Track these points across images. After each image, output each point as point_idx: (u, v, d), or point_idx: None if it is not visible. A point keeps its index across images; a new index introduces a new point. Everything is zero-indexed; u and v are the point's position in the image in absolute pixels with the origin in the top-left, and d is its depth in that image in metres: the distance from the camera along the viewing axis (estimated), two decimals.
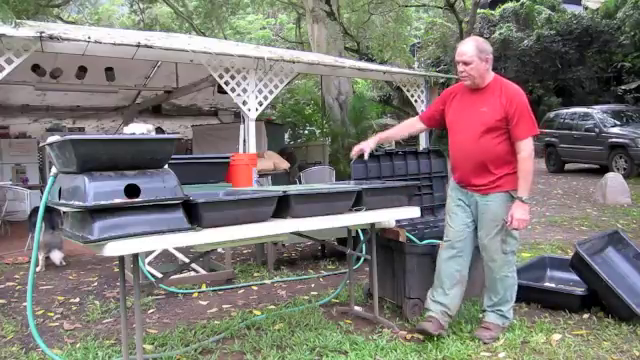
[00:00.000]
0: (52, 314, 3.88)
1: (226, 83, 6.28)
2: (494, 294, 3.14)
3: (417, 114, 8.59)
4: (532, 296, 3.62)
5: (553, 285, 3.91)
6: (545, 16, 17.54)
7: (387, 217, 3.32)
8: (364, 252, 3.93)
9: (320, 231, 3.17)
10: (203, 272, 4.75)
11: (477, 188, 3.08)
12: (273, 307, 3.88)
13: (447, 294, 3.12)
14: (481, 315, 3.27)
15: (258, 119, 6.78)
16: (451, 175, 3.28)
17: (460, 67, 3.03)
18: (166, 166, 2.46)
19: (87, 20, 20.87)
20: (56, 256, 5.36)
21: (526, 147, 2.96)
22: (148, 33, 9.62)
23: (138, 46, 5.52)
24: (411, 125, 3.53)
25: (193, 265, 4.71)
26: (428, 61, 20.17)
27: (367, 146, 3.42)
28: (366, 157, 3.44)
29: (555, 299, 3.58)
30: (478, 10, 17.17)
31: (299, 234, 3.14)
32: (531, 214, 6.98)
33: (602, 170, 11.22)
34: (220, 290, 4.41)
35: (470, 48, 3.00)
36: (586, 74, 16.53)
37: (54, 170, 2.51)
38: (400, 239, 3.51)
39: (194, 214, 2.43)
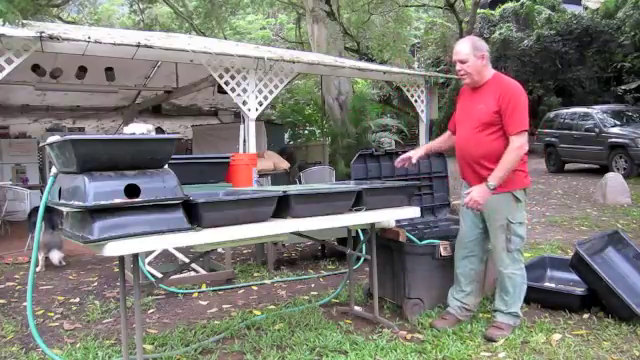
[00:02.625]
0: (52, 314, 3.88)
1: (226, 83, 6.29)
2: (505, 293, 3.19)
3: (417, 114, 8.69)
4: (532, 296, 3.61)
5: (553, 285, 3.91)
6: (545, 16, 17.55)
7: (387, 217, 3.32)
8: (364, 252, 3.93)
9: (320, 231, 3.17)
10: (203, 272, 4.75)
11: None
12: (273, 307, 3.88)
13: (464, 290, 3.30)
14: (493, 315, 3.27)
15: (258, 119, 6.79)
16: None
17: (458, 66, 3.12)
18: (166, 166, 2.46)
19: (87, 20, 20.85)
20: (55, 256, 5.35)
21: (517, 140, 2.98)
22: (148, 33, 9.62)
23: (138, 46, 5.52)
24: (449, 137, 3.51)
25: (193, 265, 4.71)
26: (428, 61, 20.18)
27: (415, 155, 3.43)
28: (414, 161, 3.44)
29: (555, 299, 3.58)
30: (478, 10, 17.17)
31: (299, 234, 3.14)
32: (529, 214, 6.91)
33: (602, 170, 11.22)
34: (220, 290, 4.40)
35: (465, 46, 3.10)
36: (586, 74, 16.53)
37: (54, 170, 2.51)
38: (400, 239, 3.51)
39: (194, 214, 2.43)
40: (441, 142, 3.59)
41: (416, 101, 8.35)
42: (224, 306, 3.98)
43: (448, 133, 3.53)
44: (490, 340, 3.04)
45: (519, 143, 2.98)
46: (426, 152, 3.53)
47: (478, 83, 3.14)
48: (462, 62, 3.09)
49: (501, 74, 3.22)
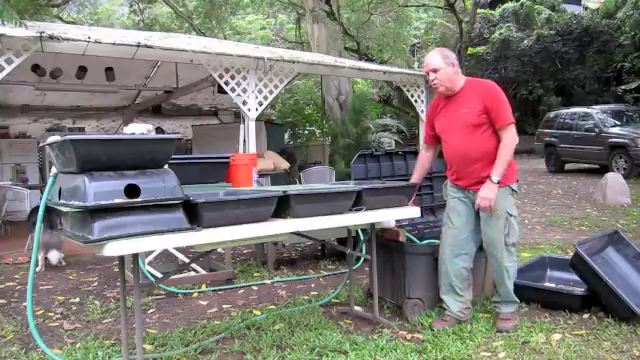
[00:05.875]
0: (52, 314, 3.88)
1: (226, 83, 6.28)
2: (503, 286, 3.27)
3: (417, 114, 8.69)
4: (532, 296, 3.62)
5: (553, 285, 3.91)
6: (545, 16, 17.55)
7: (387, 217, 3.32)
8: (364, 252, 3.93)
9: (320, 231, 3.17)
10: (203, 272, 4.75)
11: (476, 188, 3.18)
12: (273, 307, 3.88)
13: (459, 293, 3.30)
14: (495, 307, 3.35)
15: (258, 119, 6.79)
16: (448, 176, 3.41)
17: (431, 76, 3.22)
18: (166, 166, 2.46)
19: (87, 20, 20.86)
20: (53, 256, 5.34)
21: (507, 135, 3.10)
22: (148, 33, 9.62)
23: (138, 46, 5.52)
24: (425, 155, 3.57)
25: (193, 265, 4.71)
26: None
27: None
28: None
29: (555, 299, 3.58)
30: (478, 10, 17.18)
31: (299, 234, 3.14)
32: (530, 214, 6.93)
33: (602, 170, 11.22)
34: (220, 290, 4.40)
35: (435, 56, 3.23)
36: (586, 74, 16.52)
37: (54, 170, 2.50)
38: (400, 239, 3.51)
39: (194, 214, 2.42)
40: (425, 163, 3.58)
41: (416, 101, 8.34)
42: (224, 306, 3.98)
43: (424, 149, 3.61)
44: (503, 332, 3.14)
45: (510, 137, 3.11)
46: (417, 181, 3.53)
47: (452, 90, 3.24)
48: (434, 71, 3.19)
49: (473, 78, 3.34)
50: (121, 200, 2.20)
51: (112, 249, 2.17)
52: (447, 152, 3.34)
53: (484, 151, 3.14)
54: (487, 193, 3.07)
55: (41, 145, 9.12)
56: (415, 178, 3.53)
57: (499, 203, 3.13)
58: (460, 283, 3.30)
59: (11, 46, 4.89)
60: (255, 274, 4.89)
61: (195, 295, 4.30)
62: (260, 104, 6.49)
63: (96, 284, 4.75)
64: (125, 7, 22.17)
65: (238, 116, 8.89)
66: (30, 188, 8.27)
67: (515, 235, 3.24)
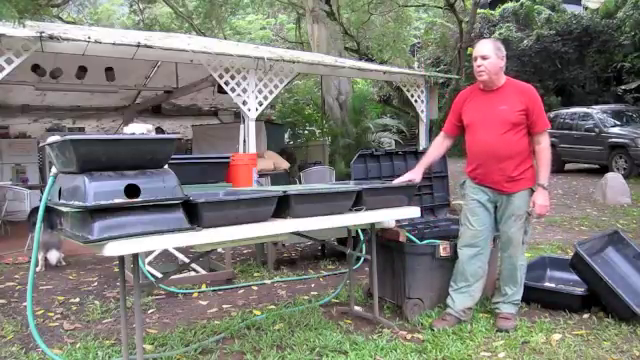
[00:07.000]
0: (52, 314, 3.88)
1: (226, 83, 6.29)
2: (513, 284, 3.33)
3: (417, 114, 8.70)
4: (532, 296, 3.61)
5: (553, 285, 3.91)
6: (545, 16, 17.55)
7: (387, 217, 3.32)
8: (364, 252, 3.93)
9: (320, 231, 3.17)
10: (203, 272, 4.75)
11: (501, 187, 3.22)
12: (273, 307, 3.88)
13: (469, 292, 3.33)
14: (496, 307, 3.38)
15: (258, 119, 6.79)
16: (469, 173, 3.38)
17: (478, 61, 3.18)
18: (166, 166, 2.46)
19: (87, 20, 20.85)
20: (52, 256, 5.34)
21: (545, 139, 3.21)
22: (148, 33, 9.62)
23: (138, 46, 5.53)
24: (441, 142, 3.57)
25: (193, 265, 4.71)
26: (428, 61, 20.18)
27: (417, 176, 3.42)
28: (417, 181, 3.43)
29: (555, 299, 3.58)
30: (478, 10, 17.16)
31: (299, 234, 3.14)
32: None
33: (602, 170, 11.22)
34: (220, 290, 4.40)
35: (488, 44, 3.24)
36: (586, 74, 16.52)
37: (54, 170, 2.50)
38: (400, 239, 3.51)
39: (194, 214, 2.42)
40: (437, 150, 3.58)
41: (416, 101, 8.35)
42: (224, 306, 3.98)
43: (442, 137, 3.57)
44: (504, 331, 3.16)
45: (546, 141, 3.22)
46: (425, 168, 3.53)
47: (493, 84, 3.23)
48: (484, 58, 3.16)
49: (513, 78, 3.36)
50: (121, 200, 2.20)
51: (112, 249, 2.17)
52: (474, 147, 3.31)
53: (515, 150, 3.17)
54: (545, 201, 3.16)
55: (41, 145, 9.12)
56: (421, 164, 3.48)
57: (521, 203, 3.20)
58: (476, 282, 3.33)
59: (11, 46, 4.90)
60: (255, 274, 4.89)
61: (195, 295, 4.30)
62: (260, 104, 6.50)
63: (96, 284, 4.75)
64: (125, 7, 22.16)
65: (238, 116, 8.90)
66: (30, 188, 8.26)
67: (529, 234, 3.35)
